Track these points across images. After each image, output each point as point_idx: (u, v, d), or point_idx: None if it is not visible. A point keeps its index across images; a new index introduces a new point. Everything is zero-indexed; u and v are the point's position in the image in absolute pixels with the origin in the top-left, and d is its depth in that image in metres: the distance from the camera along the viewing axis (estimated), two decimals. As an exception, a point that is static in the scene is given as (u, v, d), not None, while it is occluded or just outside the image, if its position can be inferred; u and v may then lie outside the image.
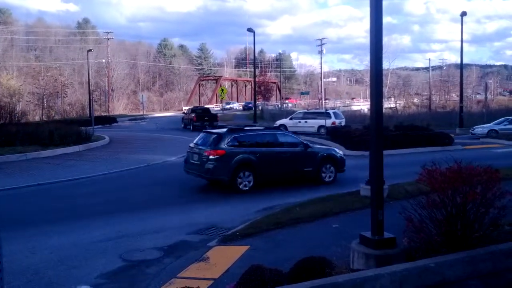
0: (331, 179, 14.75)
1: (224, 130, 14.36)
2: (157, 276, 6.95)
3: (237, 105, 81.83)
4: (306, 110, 41.19)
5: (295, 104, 79.21)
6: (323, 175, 14.67)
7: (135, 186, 15.05)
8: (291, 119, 34.91)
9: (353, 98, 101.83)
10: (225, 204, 11.90)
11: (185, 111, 48.75)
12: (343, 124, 32.67)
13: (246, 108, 75.00)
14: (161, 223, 9.98)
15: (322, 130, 31.05)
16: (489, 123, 33.64)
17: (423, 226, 6.09)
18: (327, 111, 33.66)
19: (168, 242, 8.59)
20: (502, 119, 33.92)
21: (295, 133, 20.20)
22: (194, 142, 14.49)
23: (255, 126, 22.01)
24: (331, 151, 15.44)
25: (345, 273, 5.55)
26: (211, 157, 13.10)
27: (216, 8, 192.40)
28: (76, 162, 19.84)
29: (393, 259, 5.82)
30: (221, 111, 64.93)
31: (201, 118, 39.54)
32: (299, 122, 33.73)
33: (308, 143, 15.11)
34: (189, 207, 11.61)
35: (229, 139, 13.49)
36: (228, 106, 76.59)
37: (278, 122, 35.05)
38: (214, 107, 69.28)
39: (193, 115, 40.58)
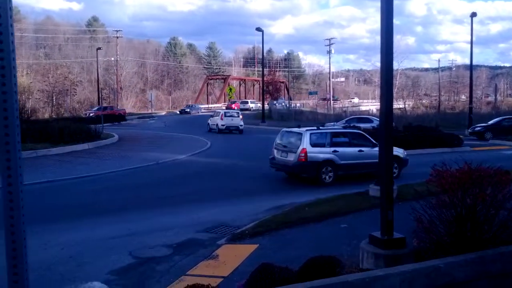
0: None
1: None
2: (167, 273, 7.01)
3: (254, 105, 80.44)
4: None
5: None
6: None
7: (144, 184, 15.15)
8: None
9: (352, 99, 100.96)
10: (234, 203, 11.94)
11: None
12: None
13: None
14: (170, 221, 10.06)
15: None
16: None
17: (432, 226, 6.09)
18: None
19: (177, 240, 8.64)
20: (348, 118, 36.54)
21: None
22: None
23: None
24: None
25: (355, 272, 5.57)
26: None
27: (217, 8, 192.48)
28: (85, 160, 19.99)
29: (403, 259, 5.83)
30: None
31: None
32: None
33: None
34: (198, 206, 11.68)
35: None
36: (246, 106, 76.47)
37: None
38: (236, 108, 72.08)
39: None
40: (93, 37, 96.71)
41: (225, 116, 36.36)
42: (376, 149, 15.54)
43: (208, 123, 38.25)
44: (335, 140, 15.12)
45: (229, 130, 35.56)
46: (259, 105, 59.74)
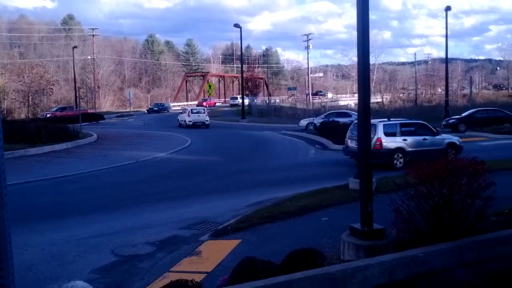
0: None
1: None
2: (150, 271, 7.01)
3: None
4: None
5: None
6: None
7: (123, 182, 15.07)
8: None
9: (317, 94, 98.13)
10: (216, 199, 11.96)
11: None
12: None
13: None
14: (152, 219, 10.04)
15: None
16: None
17: (411, 217, 6.22)
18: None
19: (159, 237, 8.64)
20: (327, 113, 37.01)
21: None
22: None
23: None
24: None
25: (336, 263, 5.67)
26: None
27: (194, 4, 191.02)
28: (64, 160, 19.78)
29: (383, 249, 5.95)
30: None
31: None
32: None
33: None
34: (179, 203, 11.66)
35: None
36: (236, 102, 76.32)
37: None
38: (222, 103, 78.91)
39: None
40: (68, 35, 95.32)
41: (191, 113, 39.57)
42: (438, 137, 17.21)
43: (178, 119, 41.42)
44: (404, 130, 16.64)
45: (196, 126, 38.21)
46: (247, 101, 59.93)
